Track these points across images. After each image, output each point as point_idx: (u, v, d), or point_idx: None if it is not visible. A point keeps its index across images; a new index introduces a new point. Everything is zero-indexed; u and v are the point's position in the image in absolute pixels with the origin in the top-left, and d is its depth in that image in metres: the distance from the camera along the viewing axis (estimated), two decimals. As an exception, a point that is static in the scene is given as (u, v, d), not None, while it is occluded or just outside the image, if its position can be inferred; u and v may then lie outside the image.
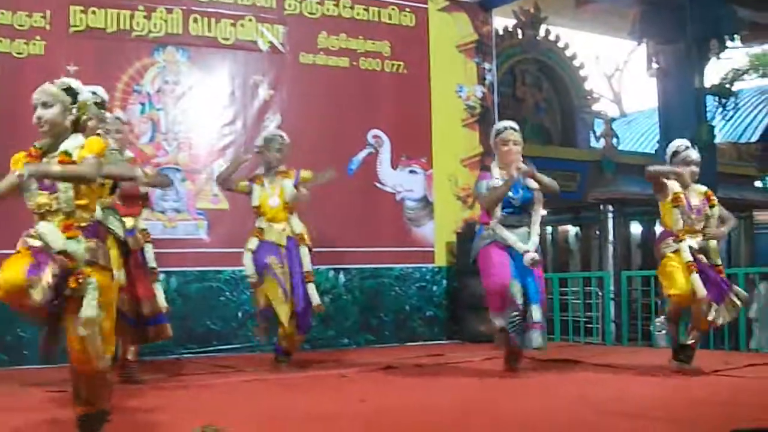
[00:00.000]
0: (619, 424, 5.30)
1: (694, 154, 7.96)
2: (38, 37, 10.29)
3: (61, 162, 4.74)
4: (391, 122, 12.07)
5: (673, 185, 7.85)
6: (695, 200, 7.92)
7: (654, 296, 11.98)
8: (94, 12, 10.58)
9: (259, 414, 6.09)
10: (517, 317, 7.71)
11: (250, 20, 11.45)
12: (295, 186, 8.88)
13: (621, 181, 17.91)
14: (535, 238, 7.95)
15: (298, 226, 8.90)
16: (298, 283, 8.69)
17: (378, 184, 11.97)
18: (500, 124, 8.27)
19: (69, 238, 4.62)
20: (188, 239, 10.80)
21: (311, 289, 8.82)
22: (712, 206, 7.96)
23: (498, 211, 7.90)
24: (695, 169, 7.95)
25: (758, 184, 23.19)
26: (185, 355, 10.19)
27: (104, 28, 10.64)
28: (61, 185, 4.70)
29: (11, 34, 10.19)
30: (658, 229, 8.32)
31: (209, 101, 11.18)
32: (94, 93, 6.73)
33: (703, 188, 8.06)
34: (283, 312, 8.48)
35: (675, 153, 8.01)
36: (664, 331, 8.45)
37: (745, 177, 20.90)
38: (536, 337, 7.76)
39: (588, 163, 18.02)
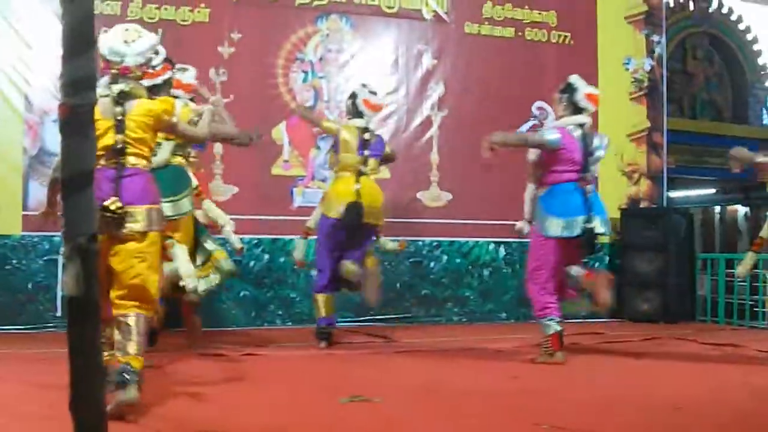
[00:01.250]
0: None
1: None
2: (203, 5, 10.39)
3: None
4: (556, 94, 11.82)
5: None
6: None
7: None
8: (258, -21, 10.62)
9: (412, 387, 6.01)
10: None
11: (415, -12, 11.34)
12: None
13: (794, 160, 17.28)
14: None
15: None
16: None
17: (541, 158, 11.73)
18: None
19: None
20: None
21: None
22: None
23: None
24: None
25: None
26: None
27: (268, -5, 10.68)
28: None
29: (176, 2, 10.34)
30: None
31: (372, 70, 11.09)
32: None
33: None
34: None
35: None
36: None
37: None
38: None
39: (760, 141, 17.45)
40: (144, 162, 5.00)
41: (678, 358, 7.91)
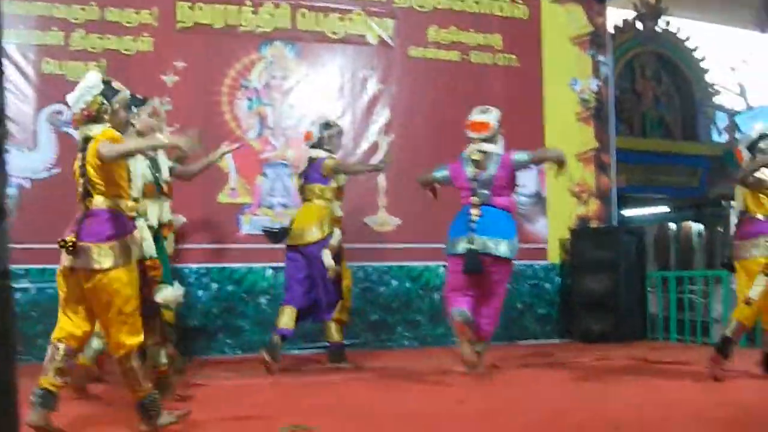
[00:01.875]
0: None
1: None
2: (146, 34, 10.36)
3: None
4: (503, 117, 11.77)
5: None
6: None
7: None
8: (201, 8, 10.60)
9: (351, 413, 5.98)
10: None
11: (359, 14, 11.35)
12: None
13: (745, 177, 17.42)
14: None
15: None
16: None
17: (489, 180, 11.74)
18: None
19: None
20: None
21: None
22: None
23: None
24: None
25: None
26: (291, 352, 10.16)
27: (211, 24, 10.67)
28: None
29: (119, 31, 10.31)
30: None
31: (317, 96, 11.08)
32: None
33: None
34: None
35: (763, 136, 7.67)
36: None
37: None
38: None
39: (710, 158, 17.61)
40: (110, 202, 5.10)
41: (626, 377, 7.92)
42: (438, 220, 10.85)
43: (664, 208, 21.21)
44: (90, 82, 5.21)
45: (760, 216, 7.57)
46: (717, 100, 18.93)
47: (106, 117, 5.16)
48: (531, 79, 12.17)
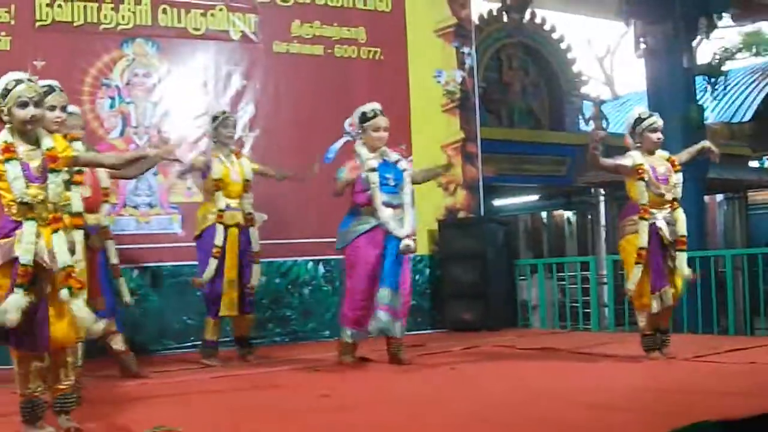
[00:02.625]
0: (583, 415, 5.12)
1: (659, 121, 7.79)
2: (3, 32, 10.06)
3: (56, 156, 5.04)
4: (369, 110, 11.87)
5: (636, 156, 7.67)
6: (661, 168, 7.73)
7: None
8: (60, 5, 10.34)
9: (217, 413, 5.94)
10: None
11: (221, 10, 11.21)
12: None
13: (612, 164, 17.72)
14: (409, 220, 7.97)
15: (250, 206, 9.04)
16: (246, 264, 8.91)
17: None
18: (369, 107, 8.27)
19: (54, 231, 4.94)
20: (162, 234, 10.60)
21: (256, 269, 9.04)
22: (676, 172, 7.77)
23: (378, 193, 7.99)
24: (660, 136, 7.77)
25: (753, 164, 23.00)
26: (161, 352, 10.05)
27: (71, 21, 10.42)
28: (55, 178, 4.99)
29: (-24, 30, 10.01)
30: None
31: (180, 93, 10.96)
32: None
33: (666, 154, 7.88)
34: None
35: (639, 120, 7.81)
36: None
37: (738, 157, 20.66)
38: (379, 319, 7.74)
39: (578, 147, 17.84)
40: None
41: (494, 364, 8.01)
42: (304, 215, 10.98)
43: (533, 197, 21.53)
44: None
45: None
46: (584, 90, 19.21)
47: (5, 119, 5.01)
48: (396, 71, 12.19)
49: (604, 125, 18.54)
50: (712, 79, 18.91)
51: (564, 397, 5.86)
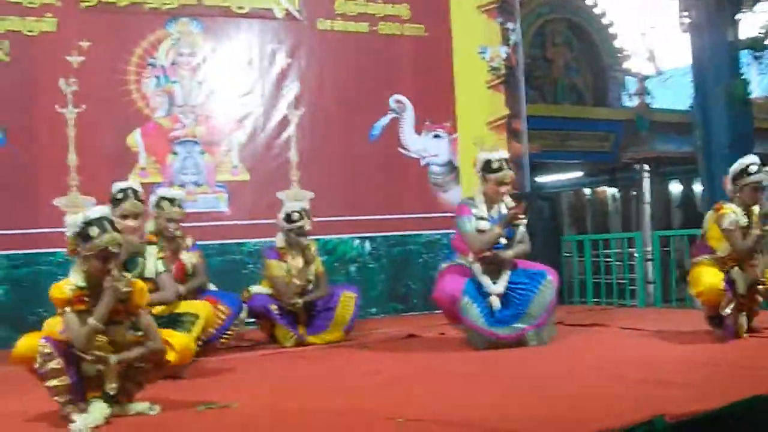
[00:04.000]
0: (634, 390, 5.08)
1: (766, 179, 7.30)
2: (49, 14, 10.16)
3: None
4: (413, 87, 11.86)
5: (738, 216, 7.24)
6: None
7: (689, 257, 11.63)
8: (105, -14, 10.42)
9: (269, 387, 5.98)
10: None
11: (265, -13, 11.24)
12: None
13: (656, 140, 17.67)
14: (505, 278, 7.44)
15: None
16: None
17: (402, 150, 11.75)
18: (496, 157, 7.53)
19: None
20: (209, 212, 10.64)
21: None
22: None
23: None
24: (761, 195, 7.32)
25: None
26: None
27: (116, 1, 10.49)
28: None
29: (22, 12, 10.09)
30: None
31: (225, 72, 11.02)
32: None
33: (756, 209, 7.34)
34: None
35: (745, 173, 7.29)
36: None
37: (783, 132, 20.48)
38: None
39: (621, 123, 17.79)
40: None
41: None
42: (351, 193, 11.02)
43: (578, 174, 21.41)
44: (74, 218, 4.83)
45: None
46: (627, 65, 19.09)
47: (78, 261, 4.86)
48: (440, 48, 12.13)
49: (648, 101, 18.41)
50: (757, 54, 18.73)
51: (615, 372, 5.83)
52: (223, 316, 7.54)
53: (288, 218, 8.42)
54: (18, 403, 5.35)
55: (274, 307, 8.30)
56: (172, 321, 6.46)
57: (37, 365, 4.61)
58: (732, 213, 7.20)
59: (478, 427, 4.25)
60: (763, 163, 7.39)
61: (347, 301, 8.56)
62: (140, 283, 5.06)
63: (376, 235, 11.38)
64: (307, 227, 8.45)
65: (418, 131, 11.87)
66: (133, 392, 4.96)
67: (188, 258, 7.74)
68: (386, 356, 7.47)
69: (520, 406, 4.77)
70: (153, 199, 7.61)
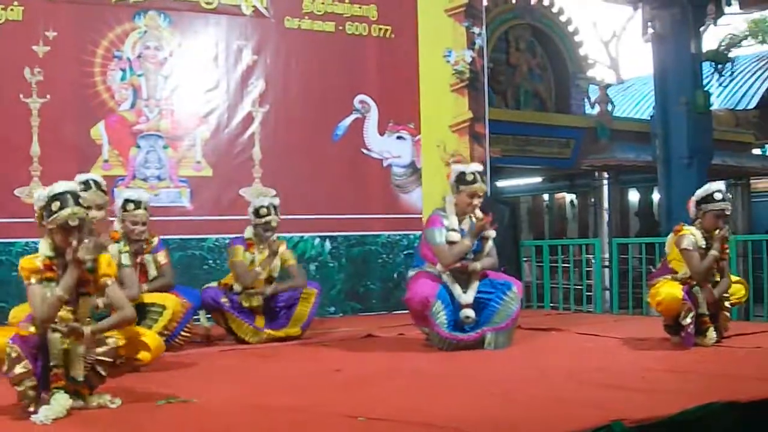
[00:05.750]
0: (593, 394, 5.14)
1: (729, 209, 7.35)
2: (15, 3, 10.07)
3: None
4: (378, 87, 11.90)
5: (698, 238, 7.31)
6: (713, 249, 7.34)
7: (646, 264, 11.74)
8: (74, -24, 10.38)
9: (229, 383, 5.99)
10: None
11: (233, -16, 11.24)
12: None
13: (616, 148, 17.81)
14: (474, 288, 7.47)
15: None
16: None
17: (365, 150, 11.80)
18: (470, 170, 7.57)
19: None
20: (170, 207, 10.62)
21: None
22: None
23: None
24: (723, 224, 7.33)
25: (756, 151, 23.04)
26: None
27: (84, -8, 10.45)
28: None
29: (-14, 0, 10.02)
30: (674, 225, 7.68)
31: (191, 67, 11.01)
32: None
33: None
34: None
35: (709, 199, 7.32)
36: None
37: (742, 144, 20.71)
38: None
39: (582, 130, 17.91)
40: None
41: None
42: (313, 191, 11.05)
43: (537, 179, 21.55)
44: (41, 192, 5.00)
45: None
46: (590, 73, 19.21)
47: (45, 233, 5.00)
48: (406, 50, 12.20)
49: (610, 109, 18.54)
50: (719, 66, 18.95)
51: (574, 376, 5.89)
52: (183, 310, 7.55)
53: (257, 213, 8.44)
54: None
55: (224, 300, 8.29)
56: (139, 311, 6.46)
57: (5, 369, 4.66)
58: (691, 235, 7.28)
59: (438, 427, 4.29)
60: (725, 175, 7.50)
61: (308, 296, 8.57)
62: (107, 256, 5.13)
63: (336, 235, 11.43)
64: (274, 223, 8.43)
65: (382, 132, 11.92)
66: (95, 384, 4.99)
67: (151, 260, 7.72)
68: (346, 355, 7.51)
69: (479, 408, 4.81)
70: (118, 201, 7.62)
